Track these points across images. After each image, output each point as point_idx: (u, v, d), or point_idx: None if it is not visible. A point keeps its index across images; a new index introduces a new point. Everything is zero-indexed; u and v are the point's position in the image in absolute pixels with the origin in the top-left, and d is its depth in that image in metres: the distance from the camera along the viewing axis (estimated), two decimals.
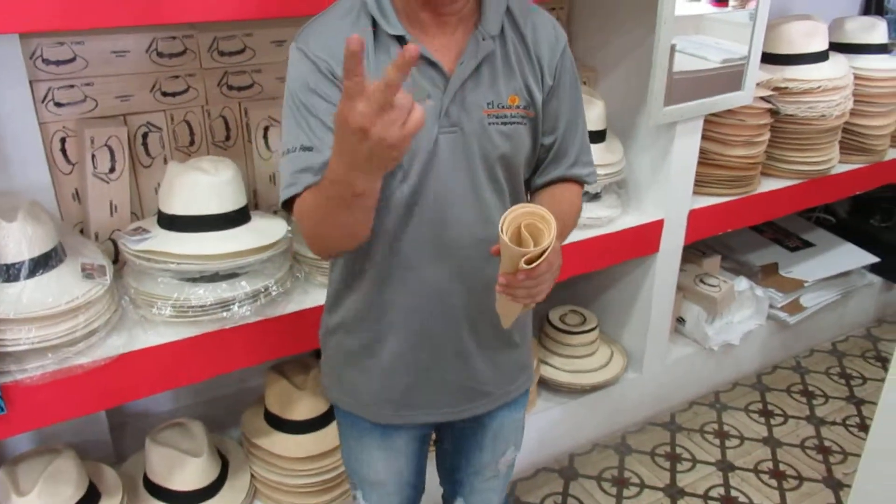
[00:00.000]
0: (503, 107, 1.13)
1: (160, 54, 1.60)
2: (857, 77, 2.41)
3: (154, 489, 1.71)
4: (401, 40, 1.07)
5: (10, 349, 1.31)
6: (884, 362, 2.84)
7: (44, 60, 1.49)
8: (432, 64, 1.08)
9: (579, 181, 1.26)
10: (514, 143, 1.15)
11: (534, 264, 0.97)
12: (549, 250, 0.97)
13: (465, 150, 1.12)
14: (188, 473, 1.70)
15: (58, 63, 1.51)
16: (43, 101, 1.52)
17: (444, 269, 1.17)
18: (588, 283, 2.44)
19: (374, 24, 1.07)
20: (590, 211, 2.00)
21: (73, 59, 1.52)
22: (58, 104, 1.53)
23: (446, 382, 1.26)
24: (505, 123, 1.13)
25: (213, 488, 1.74)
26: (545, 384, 2.25)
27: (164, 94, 1.64)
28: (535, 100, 1.16)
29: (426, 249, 1.15)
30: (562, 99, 1.19)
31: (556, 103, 1.19)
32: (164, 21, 1.28)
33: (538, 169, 1.25)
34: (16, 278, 1.33)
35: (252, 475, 1.82)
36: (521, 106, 1.14)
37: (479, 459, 1.40)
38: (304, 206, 1.04)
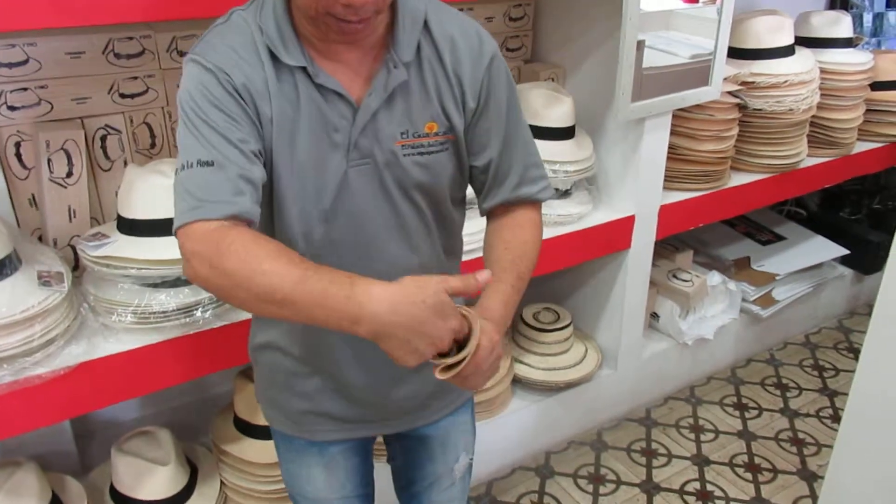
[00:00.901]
0: (419, 135, 1.05)
1: (117, 55, 1.57)
2: (823, 71, 2.43)
3: (121, 500, 1.68)
4: (305, 69, 1.00)
5: None
6: (856, 353, 2.86)
7: None
8: (339, 95, 1.00)
9: (531, 200, 1.16)
10: (434, 171, 1.08)
11: (452, 372, 0.93)
12: (468, 357, 0.92)
13: (380, 182, 1.05)
14: (156, 482, 1.67)
15: (10, 65, 1.47)
16: None
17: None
18: (561, 281, 2.44)
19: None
20: (560, 208, 2.00)
21: (25, 62, 1.48)
22: (11, 107, 1.49)
23: (382, 400, 1.22)
24: (422, 153, 1.05)
25: (182, 496, 1.71)
26: (520, 382, 2.24)
27: (123, 95, 1.60)
28: (454, 124, 1.07)
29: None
30: (492, 118, 1.09)
31: (486, 123, 1.09)
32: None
33: (482, 192, 1.16)
34: None
35: (222, 482, 1.79)
36: (439, 132, 1.06)
37: (432, 470, 1.35)
38: (234, 243, 0.88)
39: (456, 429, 1.33)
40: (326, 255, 1.05)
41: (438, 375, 0.94)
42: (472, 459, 1.40)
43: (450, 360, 0.93)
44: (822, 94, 2.41)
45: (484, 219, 1.21)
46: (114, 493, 1.69)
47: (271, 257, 0.88)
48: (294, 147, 1.01)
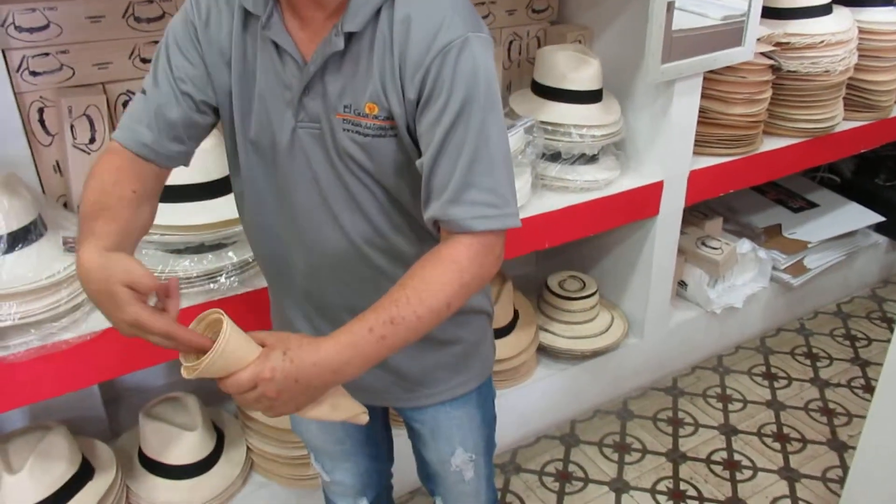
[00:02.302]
0: (360, 114, 0.97)
1: (137, 19, 1.55)
2: (861, 31, 2.34)
3: (149, 464, 1.70)
4: (264, 24, 0.98)
5: None
6: (889, 323, 2.80)
7: (16, 28, 1.44)
8: (289, 54, 0.98)
9: (461, 229, 0.95)
10: (372, 155, 0.99)
11: (190, 374, 0.90)
12: (199, 367, 0.88)
13: (326, 150, 1.01)
14: (183, 447, 1.69)
15: (31, 30, 1.46)
16: (18, 71, 1.47)
17: (321, 273, 1.10)
18: (587, 248, 2.40)
19: None
20: (587, 174, 1.96)
21: (46, 26, 1.47)
22: (33, 73, 1.49)
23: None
24: (359, 133, 0.98)
25: (209, 461, 1.73)
26: (545, 351, 2.22)
27: (144, 60, 1.59)
28: (394, 111, 0.96)
29: (299, 251, 1.10)
30: (433, 115, 0.93)
31: (427, 120, 0.94)
32: None
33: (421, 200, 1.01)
34: None
35: (248, 447, 1.81)
36: (379, 116, 0.96)
37: (429, 458, 1.32)
38: (100, 157, 1.02)
39: (448, 421, 1.26)
40: (276, 211, 1.09)
41: (182, 373, 0.92)
42: (475, 461, 1.32)
43: (185, 363, 0.91)
44: (859, 55, 2.33)
45: None
46: (142, 457, 1.71)
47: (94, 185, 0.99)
48: (250, 96, 1.03)
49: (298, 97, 0.99)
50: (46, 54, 1.49)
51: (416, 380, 1.20)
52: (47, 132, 1.53)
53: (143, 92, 1.03)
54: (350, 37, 0.95)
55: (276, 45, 0.99)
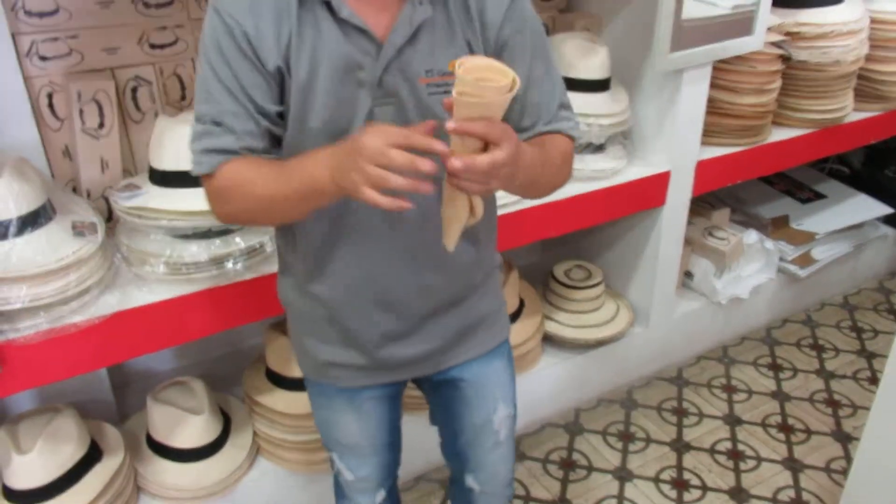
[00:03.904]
0: (444, 73, 1.03)
1: (146, 4, 1.56)
2: (873, 20, 2.32)
3: (157, 447, 1.72)
4: (328, 4, 0.98)
5: (1, 308, 1.29)
6: None
7: (26, 12, 1.45)
8: (362, 31, 0.99)
9: (562, 134, 1.14)
10: None
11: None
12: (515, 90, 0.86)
13: (406, 122, 1.03)
14: (190, 431, 1.70)
15: (40, 15, 1.46)
16: (27, 55, 1.48)
17: (394, 241, 1.12)
18: (593, 238, 2.40)
19: None
20: (594, 163, 1.96)
21: (55, 11, 1.47)
22: (42, 58, 1.49)
23: (405, 344, 1.21)
24: (447, 92, 1.01)
25: (216, 445, 1.74)
26: (550, 340, 2.23)
27: (153, 46, 1.59)
28: None
29: (376, 223, 1.09)
30: (515, 58, 1.06)
31: (514, 59, 1.06)
32: None
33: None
34: (4, 237, 1.30)
35: (255, 432, 1.82)
36: None
37: (470, 421, 1.33)
38: (234, 181, 1.00)
39: (491, 373, 1.31)
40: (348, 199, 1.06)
41: (454, 163, 0.86)
42: (513, 418, 1.38)
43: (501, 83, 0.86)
44: (870, 45, 2.31)
45: None
46: (150, 440, 1.73)
47: (259, 178, 0.99)
48: (317, 88, 1.01)
49: (379, 75, 1.01)
50: (56, 39, 1.49)
51: (474, 325, 1.26)
52: (56, 117, 1.54)
53: (217, 124, 1.00)
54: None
55: (342, 26, 0.99)
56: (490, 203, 1.20)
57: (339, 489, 1.43)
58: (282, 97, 1.02)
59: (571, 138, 1.15)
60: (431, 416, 1.42)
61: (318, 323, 1.21)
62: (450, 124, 0.86)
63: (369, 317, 1.18)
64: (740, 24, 1.98)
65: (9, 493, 1.52)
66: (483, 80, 0.86)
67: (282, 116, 1.03)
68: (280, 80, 1.01)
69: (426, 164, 0.85)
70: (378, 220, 1.09)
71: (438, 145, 0.87)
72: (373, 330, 1.19)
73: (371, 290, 1.16)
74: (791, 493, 2.03)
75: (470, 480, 1.40)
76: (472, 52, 1.05)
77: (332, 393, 1.28)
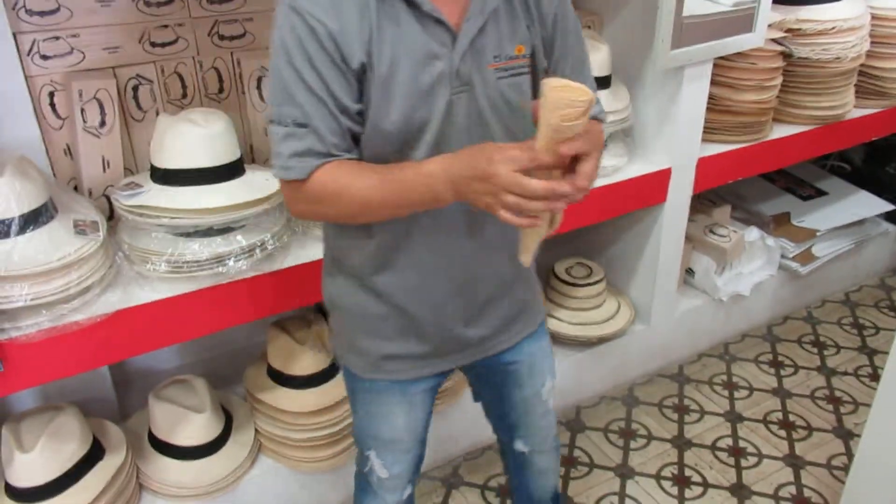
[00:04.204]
0: (510, 58, 1.09)
1: (147, 3, 1.56)
2: (874, 17, 2.32)
3: (159, 445, 1.72)
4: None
5: (3, 307, 1.29)
6: None
7: (27, 11, 1.45)
8: (438, 22, 1.03)
9: (597, 119, 1.20)
10: (522, 93, 1.12)
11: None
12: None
13: (477, 108, 1.08)
14: (192, 429, 1.71)
15: (42, 14, 1.46)
16: (28, 54, 1.48)
17: (470, 228, 1.15)
18: (594, 235, 2.40)
19: None
20: None
21: (56, 10, 1.47)
22: (44, 57, 1.50)
23: (466, 329, 1.25)
24: (512, 75, 1.10)
25: (218, 443, 1.74)
26: (552, 337, 2.21)
27: (154, 44, 1.60)
28: (535, 46, 1.13)
29: (456, 213, 1.12)
30: (566, 42, 1.16)
31: (561, 46, 1.15)
32: None
33: None
34: (6, 235, 1.31)
35: (256, 430, 1.83)
36: (525, 55, 1.11)
37: (521, 396, 1.39)
38: (329, 186, 1.02)
39: (537, 351, 1.38)
40: None
41: (581, 183, 0.94)
42: (554, 384, 1.44)
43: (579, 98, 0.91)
44: (871, 42, 2.31)
45: None
46: (152, 438, 1.74)
47: (358, 182, 1.02)
48: (397, 81, 1.02)
49: (457, 64, 1.04)
50: (57, 38, 1.49)
51: (521, 308, 1.31)
52: (58, 116, 1.54)
53: (302, 125, 1.01)
54: None
55: (420, 19, 1.02)
56: None
57: (365, 487, 1.43)
58: (360, 94, 1.04)
59: (601, 121, 1.22)
60: (476, 395, 1.48)
61: (375, 319, 1.22)
62: (565, 149, 0.93)
63: (440, 303, 1.20)
64: (741, 20, 1.98)
65: (11, 491, 1.52)
66: (571, 100, 0.90)
67: (360, 114, 1.04)
68: (361, 77, 1.02)
69: (563, 187, 0.91)
70: (458, 212, 1.11)
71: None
72: (440, 316, 1.22)
73: (446, 276, 1.18)
74: (792, 489, 2.03)
75: (520, 445, 1.48)
76: (530, 36, 1.11)
77: (383, 388, 1.29)
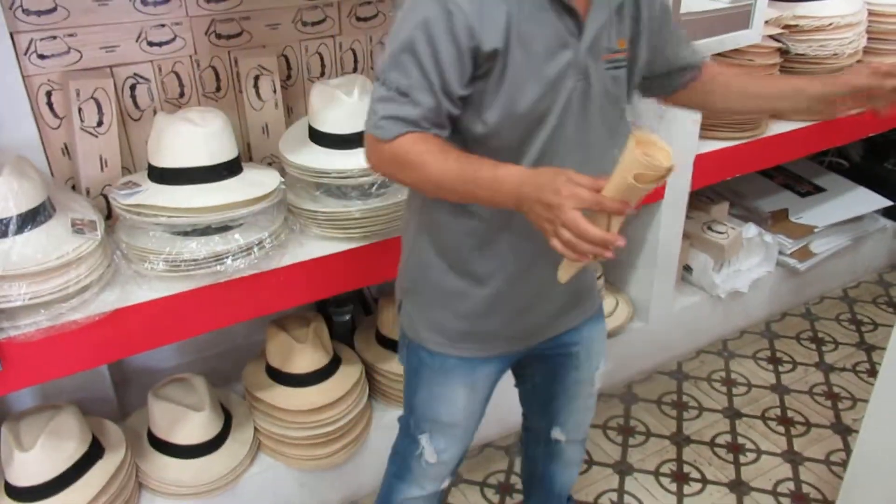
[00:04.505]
0: (614, 51, 1.14)
1: (144, 2, 1.56)
2: (871, 13, 2.32)
3: (158, 443, 1.73)
4: None
5: (1, 306, 1.30)
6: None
7: (24, 10, 1.45)
8: (570, 11, 1.06)
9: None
10: (620, 87, 1.18)
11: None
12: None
13: (589, 100, 1.12)
14: (191, 427, 1.71)
15: (38, 13, 1.46)
16: (26, 54, 1.48)
17: None
18: None
19: None
20: None
21: (53, 9, 1.47)
22: (41, 56, 1.50)
23: (542, 312, 1.29)
24: (616, 68, 1.15)
25: (217, 442, 1.75)
26: None
27: (151, 43, 1.60)
28: (634, 39, 1.18)
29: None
30: (664, 23, 1.23)
31: (664, 26, 1.23)
32: None
33: (672, 77, 1.30)
34: (4, 234, 1.31)
35: (255, 428, 1.83)
36: (626, 49, 1.16)
37: (575, 378, 1.44)
38: (410, 154, 1.04)
39: (597, 334, 1.44)
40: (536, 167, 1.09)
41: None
42: (605, 368, 1.49)
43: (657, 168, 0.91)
44: (868, 38, 2.31)
45: None
46: (151, 437, 1.74)
47: (437, 163, 1.03)
48: (529, 69, 1.06)
49: (582, 55, 1.08)
50: (54, 37, 1.49)
51: (584, 291, 1.37)
52: (55, 115, 1.54)
53: (403, 94, 1.03)
54: None
55: (554, 7, 1.05)
56: None
57: (404, 475, 1.44)
58: (475, 79, 1.05)
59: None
60: (524, 381, 1.52)
61: (459, 295, 1.24)
62: (632, 207, 0.94)
63: (528, 281, 1.23)
64: (738, 17, 1.98)
65: (11, 490, 1.53)
66: (651, 165, 0.90)
67: (462, 99, 1.07)
68: (488, 62, 1.04)
69: (619, 241, 0.92)
70: None
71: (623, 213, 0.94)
72: (529, 296, 1.25)
73: (538, 255, 1.19)
74: (791, 485, 2.04)
75: (557, 432, 1.52)
76: (631, 26, 1.16)
77: (452, 367, 1.31)
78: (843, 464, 2.08)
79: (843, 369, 2.49)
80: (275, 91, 1.71)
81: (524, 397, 1.56)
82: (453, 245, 1.22)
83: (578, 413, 1.51)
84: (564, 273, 1.08)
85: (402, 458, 1.44)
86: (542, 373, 1.46)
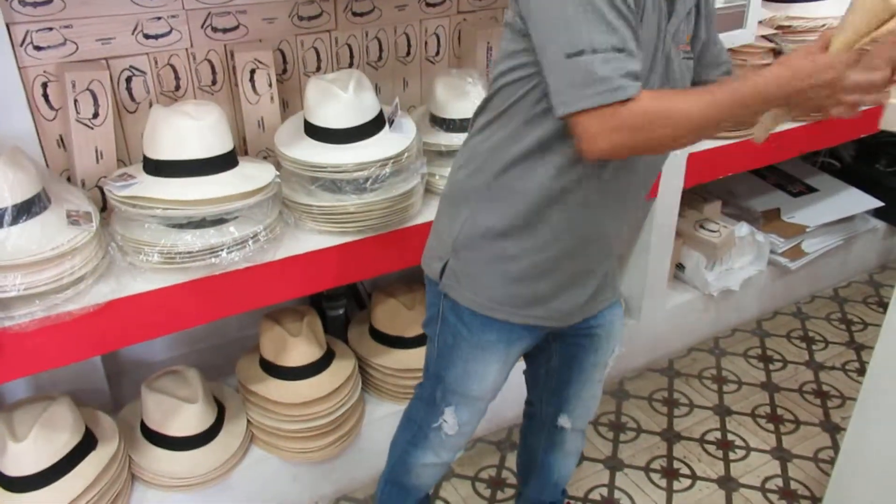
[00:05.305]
0: (685, 44, 1.21)
1: None
2: None
3: (151, 435, 1.73)
4: None
5: None
6: (886, 308, 2.81)
7: (20, 1, 1.45)
8: None
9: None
10: (689, 78, 1.24)
11: None
12: None
13: (672, 84, 1.18)
14: (184, 419, 1.72)
15: (35, 4, 1.46)
16: (22, 45, 1.48)
17: (624, 184, 1.23)
18: None
19: None
20: None
21: (50, 1, 1.47)
22: (37, 48, 1.50)
23: (585, 285, 1.33)
24: (688, 58, 1.22)
25: (210, 434, 1.75)
26: None
27: (147, 36, 1.60)
28: (695, 35, 1.26)
29: (623, 170, 1.20)
30: (712, 20, 1.30)
31: (710, 27, 1.29)
32: None
33: (712, 71, 1.35)
34: None
35: (249, 421, 1.84)
36: (690, 44, 1.24)
37: (593, 361, 1.48)
38: (662, 105, 1.02)
39: (617, 318, 1.48)
40: None
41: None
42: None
43: None
44: None
45: None
46: (144, 428, 1.74)
47: (688, 102, 1.03)
48: (655, 41, 1.12)
49: (669, 37, 1.14)
50: (50, 29, 1.49)
51: (611, 274, 1.41)
52: (51, 107, 1.54)
53: (620, 50, 1.01)
54: None
55: None
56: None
57: (420, 442, 1.48)
58: None
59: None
60: (537, 364, 1.55)
61: (513, 258, 1.25)
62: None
63: (584, 249, 1.27)
64: (732, 17, 2.00)
65: (4, 480, 1.53)
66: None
67: None
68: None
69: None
70: (622, 168, 1.19)
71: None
72: (577, 263, 1.28)
73: (598, 228, 1.26)
74: (779, 481, 2.05)
75: (563, 420, 1.56)
76: (697, 21, 1.24)
77: (491, 342, 1.34)
78: (832, 461, 2.10)
79: (833, 368, 2.51)
80: (270, 85, 1.72)
81: (535, 381, 1.59)
82: (522, 209, 1.21)
83: (587, 400, 1.54)
84: (764, 131, 1.14)
85: (419, 427, 1.48)
86: (561, 354, 1.49)
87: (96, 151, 1.57)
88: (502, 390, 1.54)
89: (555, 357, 1.50)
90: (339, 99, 1.59)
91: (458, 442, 1.47)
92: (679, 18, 1.16)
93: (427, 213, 1.73)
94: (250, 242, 1.51)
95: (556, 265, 1.26)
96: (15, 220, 1.33)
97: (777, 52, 2.22)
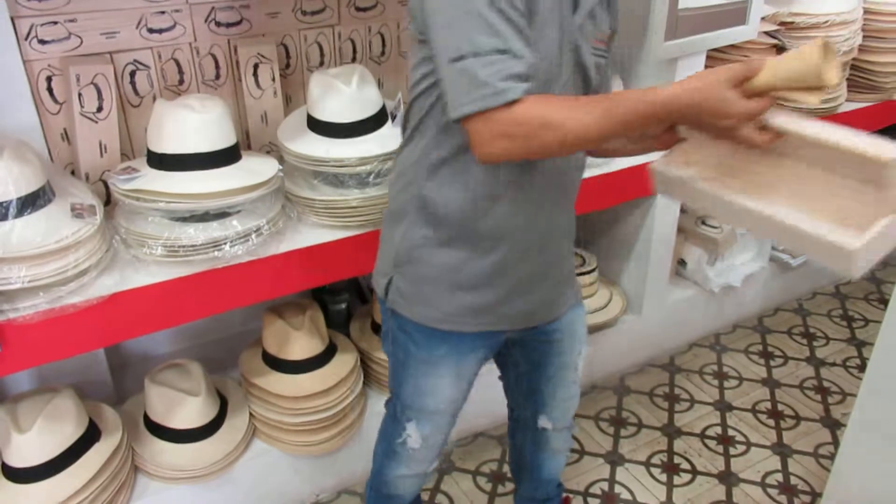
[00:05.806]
0: (600, 39, 1.18)
1: None
2: (866, 11, 2.34)
3: (154, 428, 1.74)
4: None
5: (1, 288, 1.31)
6: (886, 304, 2.81)
7: None
8: None
9: None
10: (603, 77, 1.27)
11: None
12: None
13: (587, 82, 1.18)
14: (187, 412, 1.72)
15: None
16: (26, 39, 1.49)
17: (559, 180, 1.23)
18: (587, 225, 2.42)
19: None
20: None
21: None
22: (42, 41, 1.50)
23: (537, 290, 1.31)
24: (601, 56, 1.20)
25: (213, 426, 1.76)
26: None
27: (151, 30, 1.60)
28: (611, 36, 1.25)
29: (553, 171, 1.20)
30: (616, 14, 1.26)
31: (616, 19, 1.26)
32: None
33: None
34: (3, 217, 1.32)
35: (251, 414, 1.85)
36: (606, 41, 1.21)
37: (559, 364, 1.46)
38: (544, 111, 0.98)
39: (578, 319, 1.46)
40: None
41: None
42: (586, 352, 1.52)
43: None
44: (864, 36, 2.33)
45: None
46: (147, 421, 1.75)
47: (576, 113, 1.00)
48: (543, 22, 1.08)
49: (578, 30, 1.13)
50: (55, 23, 1.50)
51: (567, 279, 1.40)
52: (55, 100, 1.55)
53: (502, 52, 0.97)
54: None
55: None
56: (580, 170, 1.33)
57: (394, 455, 1.48)
58: None
59: None
60: (508, 370, 1.54)
61: (457, 267, 1.24)
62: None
63: (526, 253, 1.25)
64: (735, 13, 2.00)
65: (8, 471, 1.54)
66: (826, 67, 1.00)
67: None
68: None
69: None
70: (556, 167, 1.20)
71: None
72: (522, 268, 1.26)
73: (535, 230, 1.24)
74: (779, 477, 2.06)
75: (543, 421, 1.54)
76: (612, 16, 1.21)
77: (440, 357, 1.33)
78: (831, 457, 2.10)
79: (834, 364, 2.52)
80: (274, 80, 1.72)
81: (509, 388, 1.58)
82: (455, 216, 1.19)
83: (564, 401, 1.52)
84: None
85: (388, 442, 1.47)
86: (526, 361, 1.47)
87: (100, 145, 1.58)
88: (500, 384, 1.55)
89: (521, 364, 1.49)
90: (342, 94, 1.60)
91: (427, 454, 1.45)
92: (585, 10, 1.11)
93: None
94: (253, 236, 1.51)
95: (500, 270, 1.24)
96: (19, 213, 1.33)
97: (780, 49, 2.22)
